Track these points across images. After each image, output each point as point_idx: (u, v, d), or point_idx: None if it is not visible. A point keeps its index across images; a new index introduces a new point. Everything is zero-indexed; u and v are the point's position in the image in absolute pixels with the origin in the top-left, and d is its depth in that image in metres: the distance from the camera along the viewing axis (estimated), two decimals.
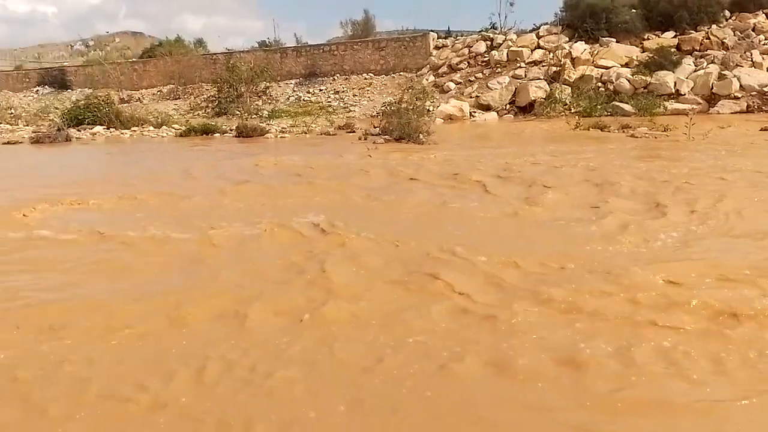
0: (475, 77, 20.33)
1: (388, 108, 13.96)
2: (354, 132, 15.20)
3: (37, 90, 28.91)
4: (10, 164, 11.92)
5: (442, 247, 4.50)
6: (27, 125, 20.29)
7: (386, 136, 12.98)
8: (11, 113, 23.02)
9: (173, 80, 25.05)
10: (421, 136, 12.49)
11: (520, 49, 20.11)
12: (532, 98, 17.96)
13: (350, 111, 20.16)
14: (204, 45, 33.00)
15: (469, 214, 5.83)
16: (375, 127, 13.96)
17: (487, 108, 18.56)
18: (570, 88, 17.98)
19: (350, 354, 2.95)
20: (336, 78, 23.22)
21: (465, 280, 3.84)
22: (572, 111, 16.75)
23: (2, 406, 2.59)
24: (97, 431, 2.41)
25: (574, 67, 18.52)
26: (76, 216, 6.27)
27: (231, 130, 16.50)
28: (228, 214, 6.10)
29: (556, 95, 17.68)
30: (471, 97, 19.36)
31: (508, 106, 18.61)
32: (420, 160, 9.68)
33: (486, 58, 20.74)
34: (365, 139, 13.31)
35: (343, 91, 22.15)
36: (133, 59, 30.06)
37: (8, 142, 16.27)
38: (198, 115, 21.27)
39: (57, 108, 22.80)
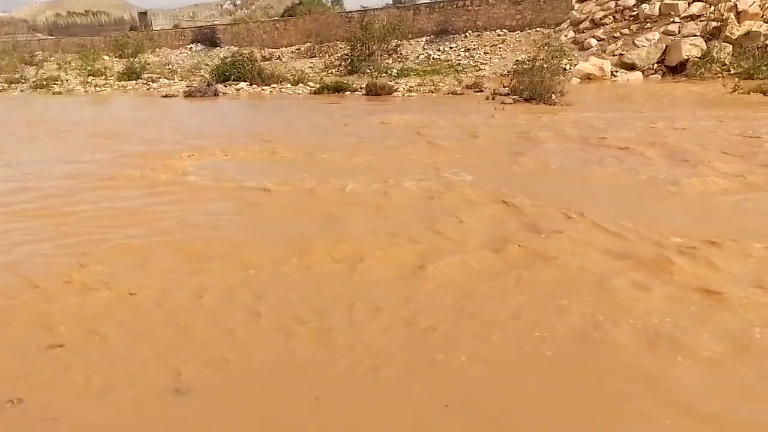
0: (621, 33, 18.71)
1: (520, 66, 13.39)
2: (482, 91, 14.83)
3: (191, 47, 31.43)
4: (167, 116, 13.22)
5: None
6: (182, 80, 22.25)
7: (515, 96, 12.51)
8: (169, 69, 25.35)
9: (310, 38, 25.92)
10: (553, 97, 11.89)
11: (675, 2, 18.10)
12: (685, 57, 16.19)
13: (480, 70, 19.62)
14: (341, 3, 33.66)
15: (608, 180, 5.52)
16: (504, 87, 13.50)
17: (631, 67, 17.08)
18: (731, 46, 15.93)
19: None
20: (468, 35, 22.61)
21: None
22: (731, 72, 14.89)
23: (160, 327, 2.99)
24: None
25: (738, 23, 16.33)
26: (222, 165, 6.86)
27: (361, 88, 16.85)
28: (358, 171, 6.33)
29: (714, 54, 15.76)
30: (614, 55, 17.90)
31: (655, 65, 16.96)
32: (550, 121, 9.26)
33: (635, 12, 18.95)
34: (493, 98, 12.95)
35: (473, 49, 21.56)
36: (275, 18, 31.52)
37: (166, 95, 18.04)
38: (331, 73, 21.92)
39: (207, 65, 24.71)
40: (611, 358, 2.60)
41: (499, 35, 21.80)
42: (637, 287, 3.21)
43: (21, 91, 22.54)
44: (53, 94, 21.11)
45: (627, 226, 4.12)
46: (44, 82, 22.85)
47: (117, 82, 22.67)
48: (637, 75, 16.68)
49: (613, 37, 18.84)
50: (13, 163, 7.68)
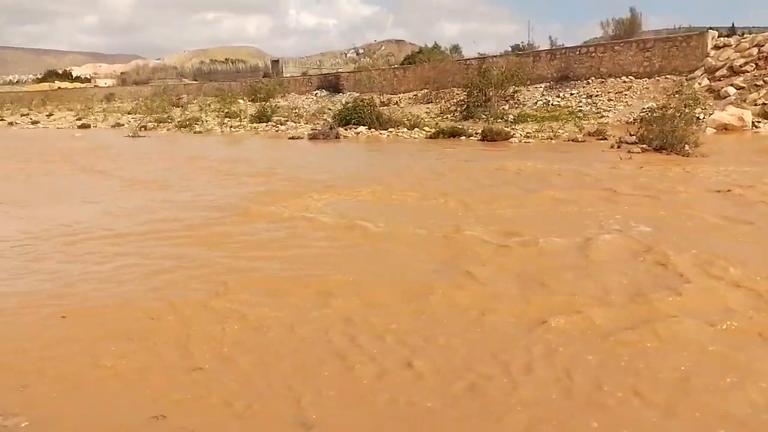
0: (764, 81, 17.28)
1: (649, 114, 12.74)
2: (605, 139, 14.26)
3: (316, 93, 33.45)
4: (293, 157, 14.06)
5: None
6: (306, 123, 23.66)
7: (643, 145, 11.87)
8: (296, 112, 27.11)
9: (428, 85, 26.60)
10: (686, 147, 11.13)
11: None
12: None
13: (603, 117, 18.93)
14: (459, 50, 34.37)
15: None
16: (631, 135, 12.88)
17: None
18: None
19: None
20: (590, 81, 22.00)
21: None
22: None
23: (289, 359, 3.11)
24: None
25: None
26: (344, 204, 7.12)
27: (476, 133, 16.89)
28: (476, 218, 6.29)
29: None
30: (756, 105, 16.53)
31: None
32: (685, 174, 8.66)
33: None
34: (618, 147, 12.38)
35: (596, 95, 20.90)
36: (395, 66, 32.79)
37: (292, 137, 19.24)
38: (447, 118, 22.24)
39: (330, 109, 26.13)
40: None
41: (624, 82, 20.99)
42: None
43: (167, 129, 25.13)
44: (194, 133, 23.32)
45: None
46: (187, 122, 25.35)
47: (249, 124, 24.58)
48: None
49: (755, 85, 17.45)
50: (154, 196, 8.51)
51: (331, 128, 19.31)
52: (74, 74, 68.46)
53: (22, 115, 39.47)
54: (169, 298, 4.00)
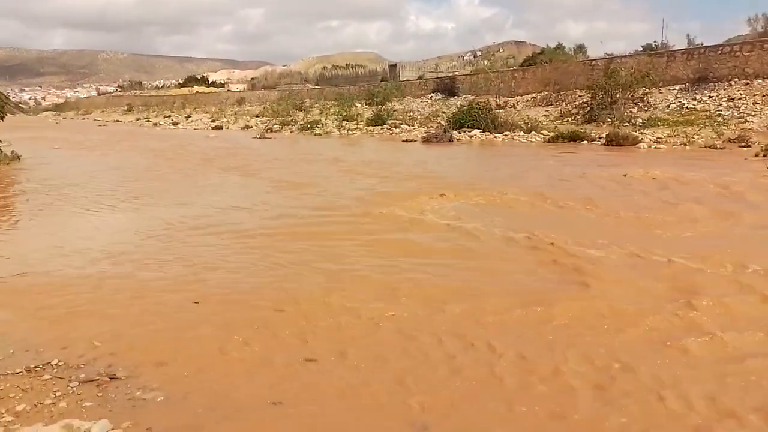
0: None
1: None
2: (749, 147, 12.90)
3: (431, 96, 33.55)
4: (407, 160, 14.20)
5: None
6: (421, 126, 23.83)
7: None
8: (410, 116, 27.40)
9: (548, 87, 25.64)
10: None
11: None
12: None
13: (746, 122, 17.11)
14: (584, 51, 32.82)
15: None
16: None
17: None
18: None
19: None
20: (733, 83, 19.98)
21: None
22: None
23: (400, 359, 3.14)
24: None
25: None
26: (458, 208, 7.08)
27: (600, 137, 16.01)
28: (597, 232, 5.96)
29: None
30: None
31: None
32: None
33: None
34: (764, 156, 11.14)
35: (739, 99, 18.94)
36: (513, 68, 32.00)
37: (406, 140, 19.47)
38: (567, 121, 21.30)
39: (444, 112, 26.07)
40: None
41: None
42: None
43: (291, 132, 26.51)
44: (315, 135, 24.39)
45: None
46: (308, 125, 26.57)
47: (365, 127, 25.24)
48: None
49: None
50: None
51: (444, 131, 19.28)
52: (210, 79, 74.51)
53: (165, 116, 43.66)
54: (289, 291, 4.20)
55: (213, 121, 36.01)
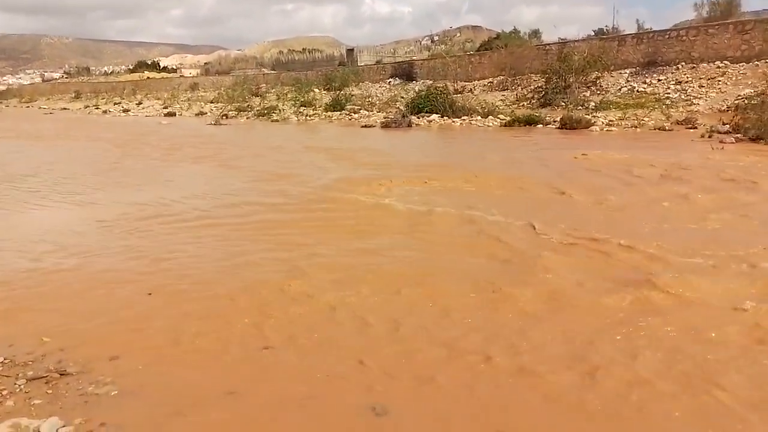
0: None
1: (746, 101, 11.84)
2: (695, 128, 13.39)
3: (390, 81, 33.46)
4: (367, 146, 14.16)
5: None
6: (379, 112, 23.76)
7: (738, 135, 11.06)
8: (369, 101, 27.27)
9: (504, 72, 25.92)
10: None
11: None
12: None
13: (693, 104, 17.75)
14: (538, 35, 33.26)
15: None
16: (724, 124, 12.02)
17: None
18: None
19: None
20: (680, 67, 20.66)
21: None
22: None
23: (355, 344, 3.15)
24: None
25: None
26: (418, 192, 7.11)
27: (554, 121, 16.33)
28: (552, 211, 6.08)
29: None
30: None
31: None
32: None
33: None
34: (710, 137, 11.60)
35: (686, 82, 19.61)
36: (470, 53, 32.20)
37: (365, 126, 19.39)
38: (523, 105, 21.63)
39: (402, 97, 26.07)
40: None
41: (718, 67, 19.57)
42: None
43: (247, 118, 26.01)
44: (272, 121, 24.00)
45: None
46: (265, 111, 26.13)
47: (324, 113, 24.99)
48: None
49: None
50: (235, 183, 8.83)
51: (403, 116, 19.28)
52: (162, 65, 72.22)
53: (115, 104, 42.16)
54: (247, 280, 4.14)
55: (165, 107, 35.00)
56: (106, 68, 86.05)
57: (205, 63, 70.26)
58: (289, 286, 3.94)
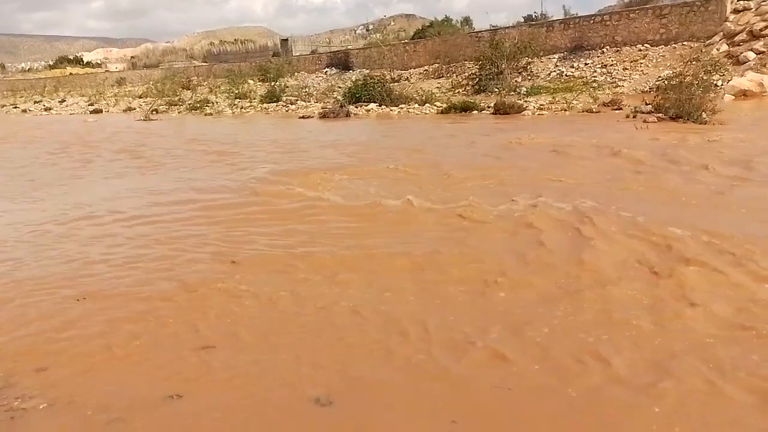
0: None
1: (665, 82, 12.46)
2: (621, 109, 13.99)
3: (326, 71, 33.18)
4: (305, 137, 13.98)
5: None
6: (317, 102, 23.50)
7: (659, 114, 11.64)
8: (306, 91, 26.93)
9: (439, 59, 26.20)
10: (703, 115, 10.89)
11: None
12: None
13: (618, 86, 18.56)
14: (470, 23, 33.77)
15: None
16: (647, 104, 12.62)
17: None
18: None
19: None
20: (605, 51, 21.53)
21: None
22: None
23: (300, 334, 3.11)
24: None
25: None
26: (355, 182, 7.09)
27: (489, 107, 16.66)
28: (486, 191, 6.22)
29: None
30: None
31: None
32: (703, 142, 8.47)
33: None
34: (634, 117, 12.14)
35: (611, 65, 20.47)
36: (405, 41, 32.33)
37: (303, 117, 19.15)
38: (458, 92, 21.96)
39: (340, 87, 25.90)
40: None
41: (640, 50, 20.52)
42: None
43: (178, 112, 25.12)
44: (205, 115, 23.29)
45: None
46: (198, 105, 25.32)
47: (260, 104, 24.48)
48: None
49: None
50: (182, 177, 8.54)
51: (341, 106, 19.16)
52: (85, 59, 68.57)
53: (35, 102, 39.73)
54: (182, 278, 4.02)
55: (91, 104, 33.29)
56: (23, 64, 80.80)
57: (131, 57, 67.19)
58: (228, 283, 3.85)
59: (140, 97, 33.28)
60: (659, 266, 3.71)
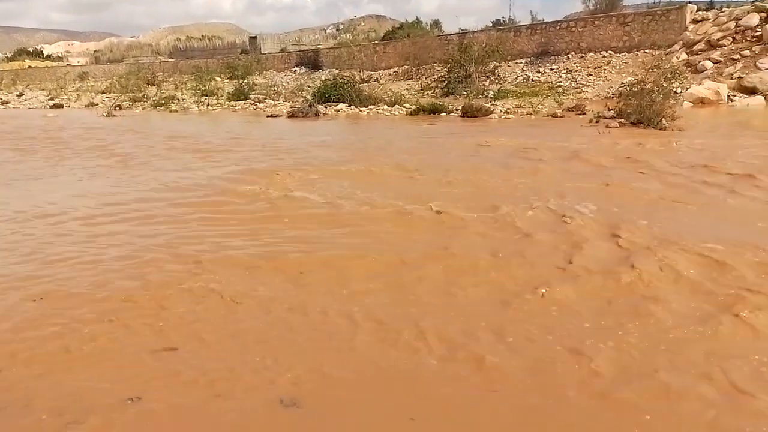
0: (741, 55, 17.43)
1: (628, 89, 12.81)
2: (584, 114, 14.33)
3: (295, 70, 32.94)
4: (274, 136, 13.87)
5: None
6: (286, 101, 23.35)
7: (621, 120, 11.97)
8: (274, 90, 26.71)
9: (408, 61, 26.33)
10: (663, 121, 11.24)
11: None
12: None
13: (582, 92, 18.99)
14: (440, 26, 34.04)
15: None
16: (609, 110, 12.96)
17: (751, 91, 15.81)
18: None
19: None
20: (570, 56, 21.99)
21: None
22: None
23: (265, 336, 3.10)
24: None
25: None
26: (324, 182, 7.07)
27: (457, 110, 16.84)
28: (454, 194, 6.28)
29: None
30: (732, 79, 16.68)
31: None
32: (660, 147, 8.74)
33: (758, 33, 17.61)
34: (597, 122, 12.46)
35: (576, 71, 20.93)
36: (375, 42, 32.38)
37: (271, 115, 19.01)
38: (427, 95, 22.10)
39: (309, 86, 25.77)
40: None
41: (604, 57, 21.03)
42: None
43: (143, 108, 24.62)
44: (170, 112, 22.88)
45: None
46: (163, 101, 24.85)
47: (227, 102, 24.17)
48: (758, 100, 15.42)
49: (732, 59, 17.59)
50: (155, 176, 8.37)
51: (310, 106, 19.10)
52: (46, 52, 66.38)
53: None
54: (146, 278, 3.94)
55: (51, 98, 32.29)
56: None
57: (95, 51, 65.37)
58: (192, 283, 3.80)
59: (103, 93, 32.46)
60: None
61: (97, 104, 27.64)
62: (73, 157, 10.57)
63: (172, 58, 46.36)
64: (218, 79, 29.85)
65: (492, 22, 29.18)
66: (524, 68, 22.66)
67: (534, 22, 25.52)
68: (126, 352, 2.98)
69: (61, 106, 28.94)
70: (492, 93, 19.90)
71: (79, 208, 6.16)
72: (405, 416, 2.41)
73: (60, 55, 66.66)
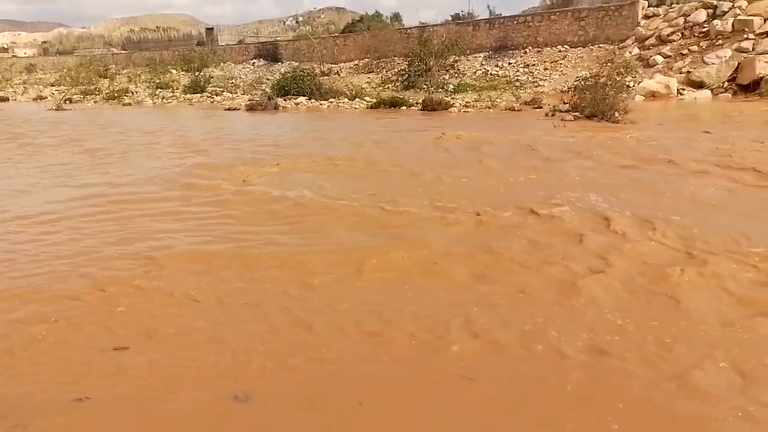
0: (689, 50, 18.06)
1: (582, 83, 13.10)
2: (541, 108, 14.58)
3: (254, 62, 32.44)
4: (232, 129, 13.63)
5: None
6: (244, 94, 22.97)
7: (576, 113, 12.24)
8: (232, 83, 26.24)
9: (369, 54, 26.26)
10: (616, 114, 11.54)
11: (749, 18, 17.31)
12: (759, 75, 15.41)
13: (539, 86, 19.33)
14: (400, 19, 34.04)
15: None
16: (564, 103, 13.24)
17: (699, 85, 16.41)
18: None
19: None
20: (527, 51, 22.36)
21: None
22: None
23: (221, 333, 3.05)
24: None
25: None
26: (282, 176, 7.00)
27: (417, 103, 16.89)
28: (416, 187, 6.31)
29: None
30: (681, 73, 17.27)
31: (726, 83, 16.24)
32: (611, 139, 8.98)
33: (705, 29, 18.26)
34: (552, 115, 12.70)
35: (533, 65, 21.29)
36: (335, 34, 32.16)
37: (229, 108, 18.66)
38: (388, 88, 22.10)
39: (268, 79, 25.42)
40: None
41: (560, 51, 21.46)
42: None
43: (95, 102, 23.83)
44: (123, 105, 22.23)
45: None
46: (116, 94, 24.11)
47: (183, 95, 23.63)
48: (705, 93, 16.02)
49: (681, 54, 18.21)
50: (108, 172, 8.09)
51: (269, 99, 18.85)
52: None
53: None
54: (95, 277, 3.83)
55: None
56: None
57: (43, 42, 62.74)
58: (143, 280, 3.71)
59: (53, 85, 31.30)
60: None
61: (46, 97, 26.61)
62: (15, 151, 10.14)
63: (125, 50, 44.99)
64: (174, 71, 29.13)
65: (452, 16, 29.38)
66: (483, 62, 22.91)
67: (492, 17, 25.85)
68: (74, 352, 2.89)
69: (6, 99, 27.72)
70: (452, 87, 20.04)
71: (24, 205, 5.93)
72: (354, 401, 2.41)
73: (5, 46, 63.77)
